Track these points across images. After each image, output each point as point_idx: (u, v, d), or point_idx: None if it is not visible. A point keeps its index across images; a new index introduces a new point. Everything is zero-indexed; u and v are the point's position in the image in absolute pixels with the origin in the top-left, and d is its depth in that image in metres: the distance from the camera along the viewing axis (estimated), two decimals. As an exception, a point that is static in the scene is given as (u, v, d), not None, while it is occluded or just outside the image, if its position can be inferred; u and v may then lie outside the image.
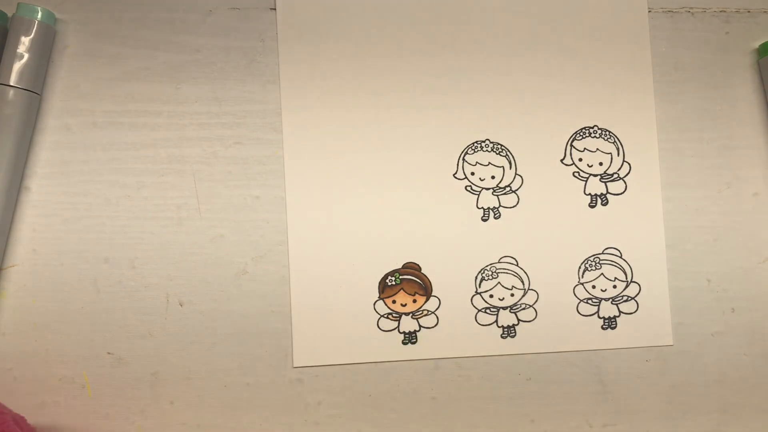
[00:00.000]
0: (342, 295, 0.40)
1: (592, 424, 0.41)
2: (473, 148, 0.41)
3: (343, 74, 0.41)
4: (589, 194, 0.41)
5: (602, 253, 0.41)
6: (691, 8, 0.43)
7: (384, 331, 0.40)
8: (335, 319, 0.40)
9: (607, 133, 0.42)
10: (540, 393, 0.41)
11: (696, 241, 0.42)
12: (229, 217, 0.40)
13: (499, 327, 0.40)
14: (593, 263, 0.41)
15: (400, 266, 0.40)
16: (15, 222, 0.39)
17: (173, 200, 0.40)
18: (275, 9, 0.41)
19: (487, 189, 0.41)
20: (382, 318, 0.40)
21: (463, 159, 0.41)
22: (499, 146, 0.41)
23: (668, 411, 0.41)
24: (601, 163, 0.42)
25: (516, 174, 0.41)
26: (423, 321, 0.40)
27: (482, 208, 0.41)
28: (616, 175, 0.42)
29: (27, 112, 0.38)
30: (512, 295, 0.41)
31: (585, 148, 0.42)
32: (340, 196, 0.40)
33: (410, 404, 0.40)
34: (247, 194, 0.40)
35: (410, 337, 0.40)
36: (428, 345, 0.40)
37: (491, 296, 0.40)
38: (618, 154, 0.42)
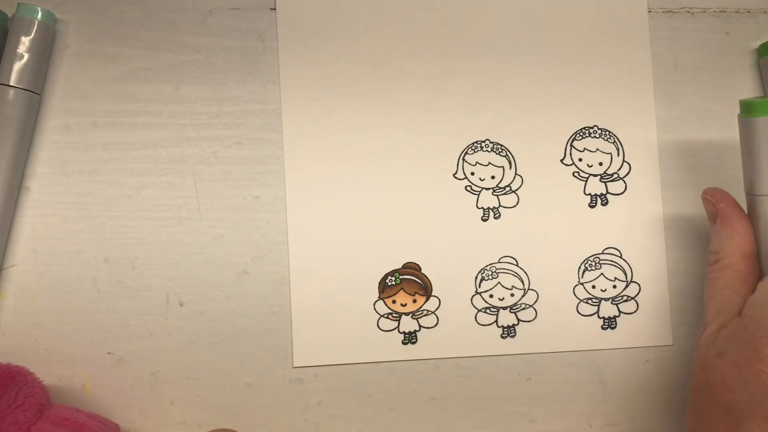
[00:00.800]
0: (342, 295, 0.40)
1: (592, 424, 0.41)
2: (473, 148, 0.41)
3: (344, 74, 0.41)
4: (589, 194, 0.41)
5: (602, 253, 0.41)
6: (691, 8, 0.43)
7: (384, 331, 0.40)
8: (335, 319, 0.40)
9: (607, 133, 0.42)
10: (540, 393, 0.41)
11: (696, 241, 0.42)
12: (229, 217, 0.40)
13: (499, 327, 0.40)
14: (593, 263, 0.41)
15: (400, 266, 0.40)
16: (15, 222, 0.39)
17: (173, 200, 0.40)
18: (275, 9, 0.41)
19: (487, 189, 0.41)
20: (382, 318, 0.40)
21: (463, 159, 0.41)
22: (499, 146, 0.41)
23: (668, 411, 0.41)
24: (601, 163, 0.42)
25: (516, 174, 0.41)
26: (423, 321, 0.40)
27: (482, 208, 0.41)
28: (616, 175, 0.42)
29: (27, 112, 0.38)
30: (512, 295, 0.41)
31: (585, 148, 0.42)
32: (340, 196, 0.40)
33: (410, 404, 0.40)
34: (247, 194, 0.40)
35: (410, 337, 0.40)
36: (428, 345, 0.40)
37: (491, 296, 0.40)
38: (618, 154, 0.42)
